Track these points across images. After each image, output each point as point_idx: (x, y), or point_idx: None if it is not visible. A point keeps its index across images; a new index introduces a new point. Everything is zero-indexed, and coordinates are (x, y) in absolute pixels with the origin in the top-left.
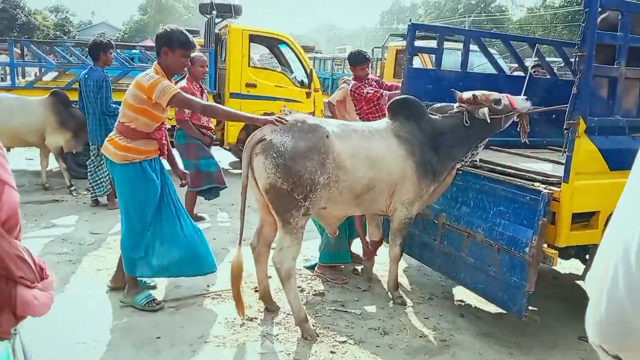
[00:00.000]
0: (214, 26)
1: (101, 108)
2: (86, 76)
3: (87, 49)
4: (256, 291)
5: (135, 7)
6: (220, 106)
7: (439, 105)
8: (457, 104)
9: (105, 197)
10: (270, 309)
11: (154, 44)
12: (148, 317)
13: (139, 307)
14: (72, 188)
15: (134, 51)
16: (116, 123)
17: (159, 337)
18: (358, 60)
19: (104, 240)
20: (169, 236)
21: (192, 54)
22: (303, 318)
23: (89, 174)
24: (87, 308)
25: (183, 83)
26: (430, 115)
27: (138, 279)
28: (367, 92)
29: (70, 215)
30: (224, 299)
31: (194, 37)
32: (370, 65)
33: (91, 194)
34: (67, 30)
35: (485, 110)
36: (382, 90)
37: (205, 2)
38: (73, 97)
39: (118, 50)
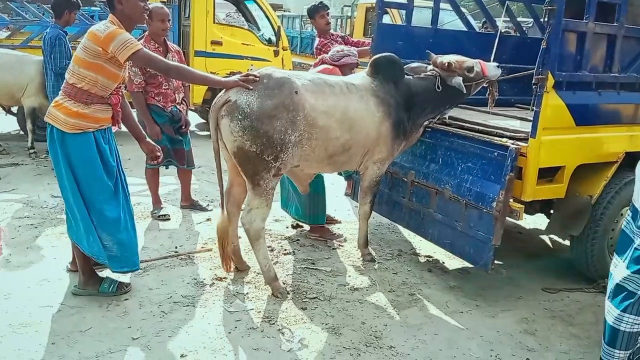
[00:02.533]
0: None
1: (53, 66)
2: (45, 34)
3: (50, 5)
4: None
5: None
6: (188, 68)
7: (414, 65)
8: (430, 67)
9: None
10: (240, 268)
11: None
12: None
13: (110, 295)
14: (32, 150)
15: (93, 8)
16: (63, 84)
17: (126, 299)
18: (314, 9)
19: None
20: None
21: (150, 6)
22: (272, 277)
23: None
24: (51, 271)
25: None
26: (406, 75)
27: (94, 260)
28: None
29: (31, 179)
30: (193, 260)
31: None
32: (328, 13)
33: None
34: None
35: (460, 80)
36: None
37: None
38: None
39: None
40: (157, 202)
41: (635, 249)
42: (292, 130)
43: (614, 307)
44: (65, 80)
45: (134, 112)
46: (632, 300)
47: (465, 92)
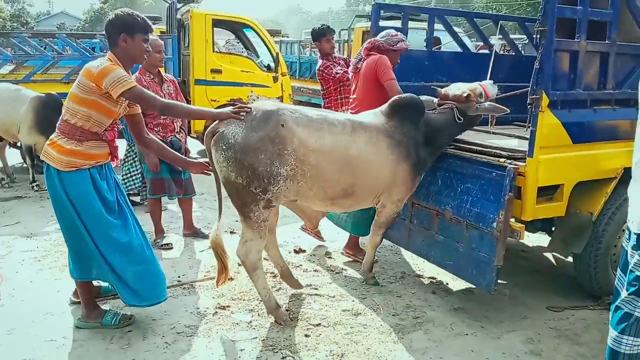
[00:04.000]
0: (176, 11)
1: None
2: None
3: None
4: (229, 280)
5: None
6: (180, 104)
7: (423, 98)
8: (436, 100)
9: None
10: (292, 286)
11: None
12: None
13: (113, 327)
14: (35, 184)
15: (94, 40)
16: (59, 122)
17: (129, 331)
18: (321, 33)
19: None
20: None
21: None
22: (274, 306)
23: None
24: (55, 305)
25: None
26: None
27: (97, 287)
28: (336, 72)
29: (35, 212)
30: (196, 289)
31: (155, 23)
32: (333, 37)
33: None
34: (24, 21)
35: (487, 104)
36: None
37: None
38: (32, 89)
39: (78, 40)
40: (159, 231)
41: (631, 270)
42: (281, 164)
43: (612, 328)
44: (60, 118)
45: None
46: (630, 321)
47: (475, 116)
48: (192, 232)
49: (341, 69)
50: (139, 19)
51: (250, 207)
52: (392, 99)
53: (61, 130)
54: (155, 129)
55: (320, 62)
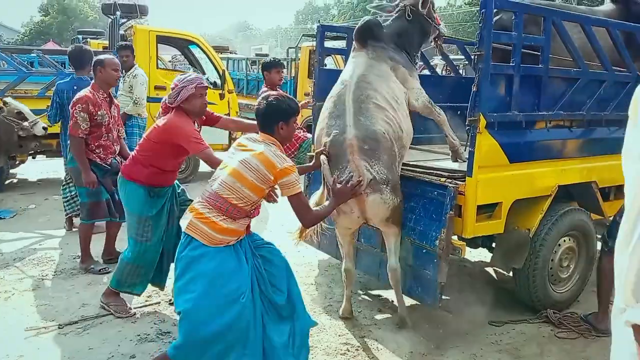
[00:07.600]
0: (119, 27)
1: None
2: (74, 87)
3: (68, 55)
4: (171, 304)
5: (35, 7)
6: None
7: (381, 5)
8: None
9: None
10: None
11: (54, 47)
12: (56, 339)
13: None
14: None
15: (32, 55)
16: (210, 196)
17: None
18: (272, 64)
19: None
20: None
21: (102, 56)
22: None
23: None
24: None
25: (85, 93)
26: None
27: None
28: None
29: None
30: (137, 315)
31: (98, 38)
32: (282, 72)
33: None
34: None
35: None
36: None
37: (108, 2)
38: None
39: (14, 55)
40: (89, 256)
41: None
42: None
43: None
44: (213, 192)
45: None
46: None
47: (422, 21)
48: (114, 256)
49: None
50: (293, 104)
51: None
52: (355, 29)
53: (217, 207)
54: (97, 150)
55: (264, 88)
